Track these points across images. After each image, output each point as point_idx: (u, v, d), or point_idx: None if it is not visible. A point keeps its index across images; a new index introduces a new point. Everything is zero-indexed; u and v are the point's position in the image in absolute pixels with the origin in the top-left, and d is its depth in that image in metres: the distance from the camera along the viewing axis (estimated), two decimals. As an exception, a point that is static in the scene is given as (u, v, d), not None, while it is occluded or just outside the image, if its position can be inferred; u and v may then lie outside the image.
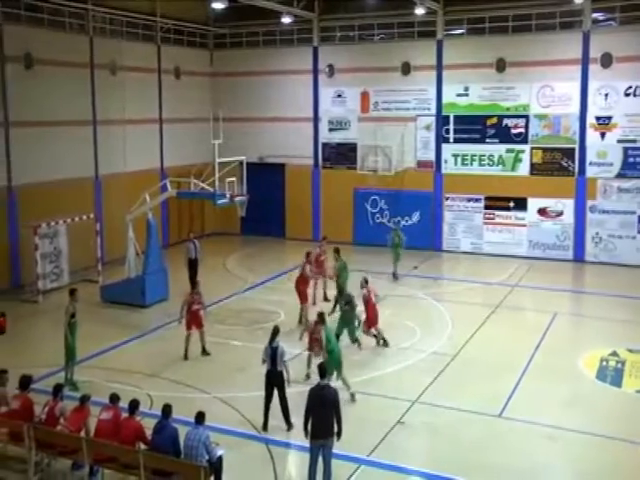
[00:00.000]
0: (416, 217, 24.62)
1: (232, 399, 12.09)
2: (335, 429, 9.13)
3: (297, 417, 10.91)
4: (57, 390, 9.73)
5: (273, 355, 10.97)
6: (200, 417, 8.97)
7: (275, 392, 11.04)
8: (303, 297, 16.23)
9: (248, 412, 11.57)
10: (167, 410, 9.08)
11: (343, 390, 11.37)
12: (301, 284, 16.33)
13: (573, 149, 22.31)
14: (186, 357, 14.16)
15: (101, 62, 22.18)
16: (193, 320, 14.38)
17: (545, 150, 22.68)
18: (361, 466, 10.07)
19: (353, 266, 21.05)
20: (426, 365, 13.84)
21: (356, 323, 14.20)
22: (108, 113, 22.35)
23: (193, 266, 19.38)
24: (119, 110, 22.77)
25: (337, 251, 17.05)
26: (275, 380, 10.99)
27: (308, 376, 12.59)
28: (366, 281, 14.78)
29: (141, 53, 23.89)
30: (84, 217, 19.63)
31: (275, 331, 11.23)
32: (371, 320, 14.49)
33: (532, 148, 22.85)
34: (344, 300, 14.44)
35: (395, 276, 20.23)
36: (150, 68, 24.40)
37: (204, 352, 14.42)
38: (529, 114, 22.75)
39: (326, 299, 17.69)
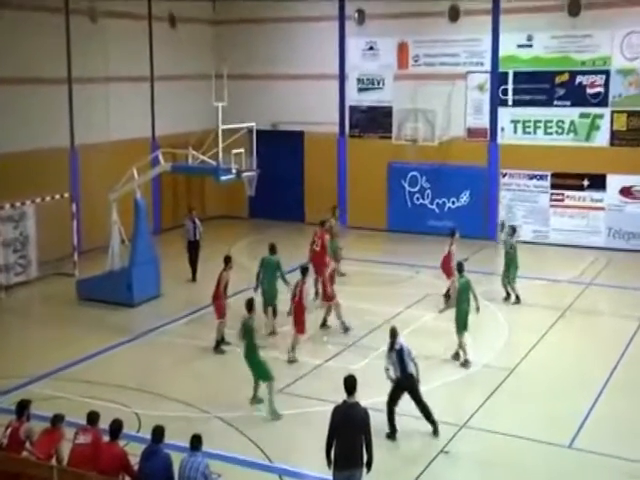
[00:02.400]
0: (465, 198, 24.42)
1: (237, 420, 12.10)
2: (364, 458, 9.06)
3: (314, 441, 10.89)
4: (22, 408, 9.73)
5: (400, 359, 11.40)
6: (197, 441, 8.95)
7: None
8: (320, 271, 16.68)
9: (256, 435, 11.56)
10: (158, 433, 9.08)
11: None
12: (322, 258, 16.90)
13: (667, 113, 22.07)
14: (221, 350, 14.84)
15: (78, 7, 22.17)
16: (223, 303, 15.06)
17: (631, 114, 22.33)
18: (396, 505, 10.03)
19: (386, 258, 21.03)
20: (477, 381, 13.75)
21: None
22: (87, 69, 22.38)
23: (193, 249, 19.58)
24: (101, 66, 22.80)
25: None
26: (408, 385, 11.52)
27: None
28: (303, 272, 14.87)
29: (128, -5, 23.91)
30: (57, 196, 19.74)
31: (393, 333, 11.70)
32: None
33: (613, 112, 22.51)
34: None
35: (517, 298, 17.82)
36: (139, 14, 24.38)
37: (224, 342, 14.98)
38: (610, 69, 22.39)
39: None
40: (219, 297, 15.13)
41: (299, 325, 14.53)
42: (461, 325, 14.33)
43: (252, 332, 12.50)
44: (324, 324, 16.13)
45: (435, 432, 11.58)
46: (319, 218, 18.96)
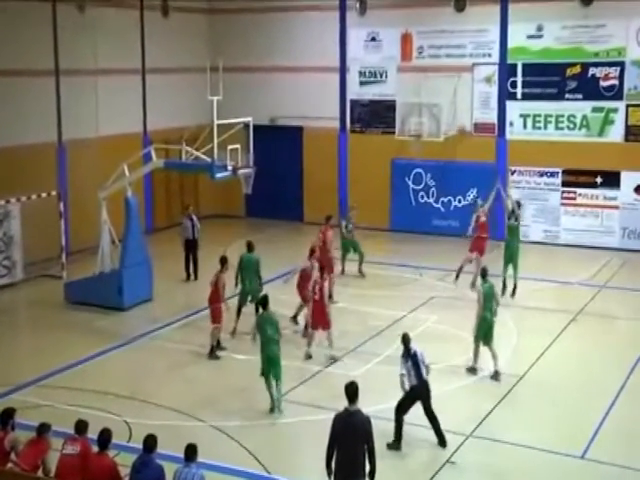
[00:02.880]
0: (472, 197, 24.39)
1: (233, 429, 12.09)
2: (366, 468, 9.04)
3: (314, 450, 10.88)
4: (7, 417, 9.70)
5: (416, 365, 11.52)
6: (191, 452, 8.94)
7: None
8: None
9: (253, 445, 11.55)
10: (150, 442, 9.06)
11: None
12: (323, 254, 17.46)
13: (685, 107, 22.09)
14: (215, 355, 15.05)
15: (66, -5, 22.24)
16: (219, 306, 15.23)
17: (646, 108, 22.40)
18: (400, 518, 10.04)
19: (389, 259, 20.98)
20: (484, 388, 13.73)
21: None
22: (75, 61, 22.37)
23: (190, 248, 19.60)
24: (89, 57, 22.79)
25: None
26: (424, 392, 11.58)
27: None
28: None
29: (118, -17, 23.93)
30: (43, 194, 19.71)
31: (406, 339, 11.86)
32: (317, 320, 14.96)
33: (628, 105, 22.52)
34: None
35: (513, 290, 18.29)
36: (129, 3, 24.38)
37: (219, 347, 15.17)
38: (625, 60, 22.40)
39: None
40: (217, 300, 15.18)
41: (323, 323, 14.78)
42: (481, 334, 14.07)
43: (268, 325, 12.89)
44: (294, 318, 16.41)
45: (442, 443, 11.58)
46: (318, 217, 19.00)
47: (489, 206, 19.39)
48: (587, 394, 13.43)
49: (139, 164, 19.27)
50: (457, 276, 19.00)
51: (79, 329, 16.62)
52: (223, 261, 15.45)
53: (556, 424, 12.40)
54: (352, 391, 9.23)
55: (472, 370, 14.19)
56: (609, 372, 14.34)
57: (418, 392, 11.57)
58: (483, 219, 19.02)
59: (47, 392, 13.41)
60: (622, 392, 13.46)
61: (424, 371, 11.62)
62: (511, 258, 18.34)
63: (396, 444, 11.52)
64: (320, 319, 14.79)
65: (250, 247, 16.36)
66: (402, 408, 11.63)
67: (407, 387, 11.57)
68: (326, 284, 15.27)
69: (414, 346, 11.78)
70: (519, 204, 19.10)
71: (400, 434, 11.57)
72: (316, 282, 14.97)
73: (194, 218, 20.15)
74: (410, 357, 11.62)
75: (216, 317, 15.11)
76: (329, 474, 9.14)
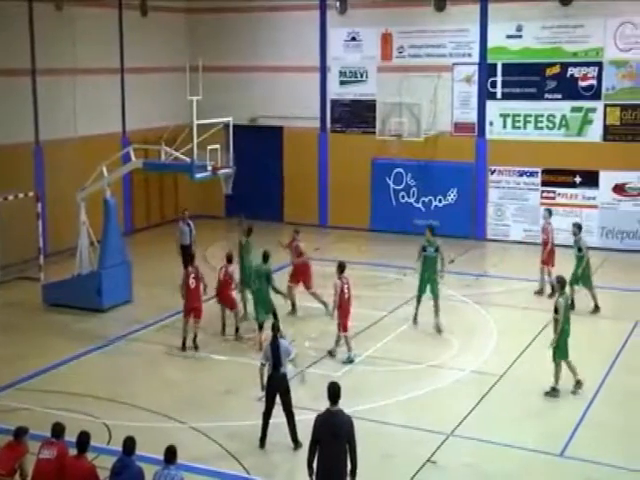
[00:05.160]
0: (452, 196, 24.51)
1: (213, 430, 12.08)
2: (348, 468, 9.07)
3: (295, 451, 10.89)
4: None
5: (275, 355, 11.43)
6: (171, 454, 8.94)
7: (278, 404, 11.55)
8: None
9: (234, 447, 11.56)
10: (130, 445, 9.05)
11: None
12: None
13: (662, 107, 22.24)
14: (184, 348, 15.34)
15: (43, -7, 22.14)
16: (192, 302, 15.36)
17: (624, 108, 22.50)
18: (381, 518, 10.06)
19: (369, 259, 21.03)
20: (465, 388, 13.81)
21: None
22: (52, 60, 22.27)
23: (188, 255, 19.54)
24: (67, 57, 22.68)
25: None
26: (278, 386, 11.50)
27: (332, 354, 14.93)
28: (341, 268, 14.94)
29: (96, -18, 23.82)
30: (20, 195, 19.60)
31: (275, 328, 11.82)
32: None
33: (606, 105, 22.69)
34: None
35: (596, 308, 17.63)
36: (108, 2, 24.30)
37: (195, 346, 15.39)
38: (603, 61, 22.57)
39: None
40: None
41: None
42: (562, 350, 13.38)
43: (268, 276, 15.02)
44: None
45: (295, 444, 11.45)
46: (298, 217, 18.97)
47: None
48: (566, 392, 13.47)
49: (118, 165, 19.22)
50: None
51: (57, 331, 16.54)
52: (191, 260, 16.08)
53: (535, 422, 12.49)
54: (334, 392, 9.26)
55: (554, 391, 13.36)
56: (588, 370, 14.31)
57: (273, 383, 11.53)
58: (544, 237, 18.67)
59: (25, 395, 13.34)
60: (600, 390, 13.57)
61: (284, 363, 11.53)
62: (583, 282, 17.67)
63: (260, 442, 11.60)
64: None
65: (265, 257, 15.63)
66: (267, 406, 11.61)
67: (266, 374, 11.58)
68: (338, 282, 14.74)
69: (282, 337, 11.91)
70: (579, 227, 18.14)
71: (264, 432, 11.60)
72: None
73: (191, 223, 19.74)
74: (272, 347, 11.58)
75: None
76: (310, 474, 9.17)
